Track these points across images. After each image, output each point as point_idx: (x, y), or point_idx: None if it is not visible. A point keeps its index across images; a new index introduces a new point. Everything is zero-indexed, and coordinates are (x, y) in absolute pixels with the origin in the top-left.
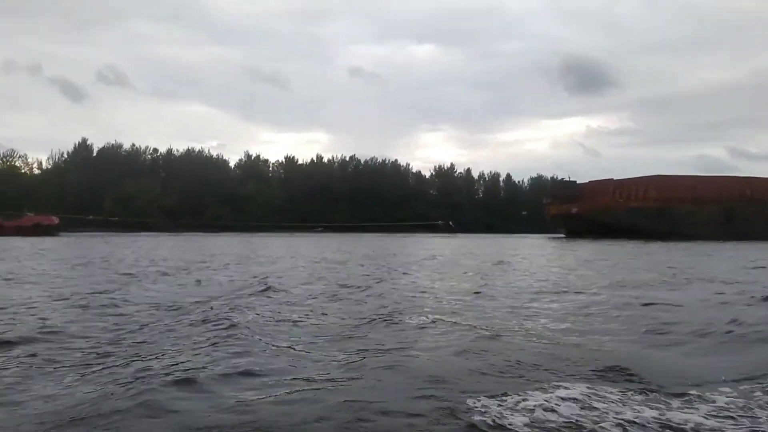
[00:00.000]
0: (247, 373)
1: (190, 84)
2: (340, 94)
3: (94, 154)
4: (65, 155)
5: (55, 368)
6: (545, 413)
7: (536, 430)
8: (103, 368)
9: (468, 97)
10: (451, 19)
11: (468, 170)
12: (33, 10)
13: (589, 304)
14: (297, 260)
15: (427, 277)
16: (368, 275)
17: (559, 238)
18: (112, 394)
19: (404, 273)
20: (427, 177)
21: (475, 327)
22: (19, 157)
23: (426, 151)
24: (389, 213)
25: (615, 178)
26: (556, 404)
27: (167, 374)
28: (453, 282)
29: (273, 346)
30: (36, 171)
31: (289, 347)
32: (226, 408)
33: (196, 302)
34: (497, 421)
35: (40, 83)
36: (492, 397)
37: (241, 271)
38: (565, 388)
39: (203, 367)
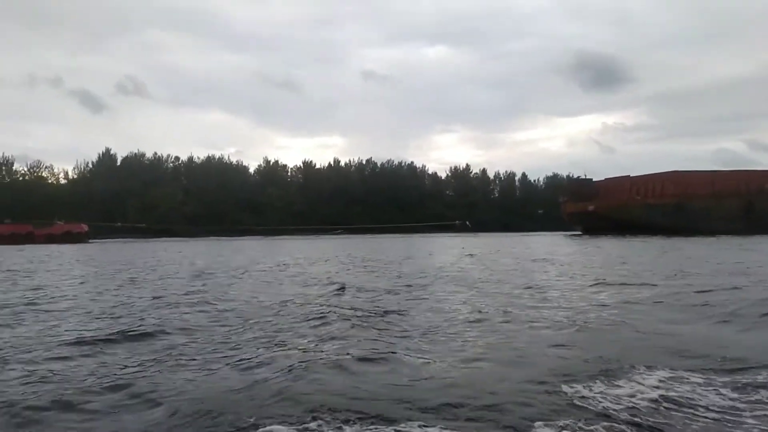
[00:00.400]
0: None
1: (206, 92)
2: (354, 97)
3: (118, 164)
4: (90, 165)
5: (202, 358)
6: (635, 398)
7: (630, 413)
8: (248, 357)
9: (481, 97)
10: (462, 20)
11: (483, 170)
12: (52, 23)
13: (654, 295)
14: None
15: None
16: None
17: (576, 235)
18: (268, 379)
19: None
20: (443, 178)
21: (559, 321)
22: (45, 167)
23: (440, 153)
24: (406, 214)
25: (631, 175)
26: (646, 389)
27: (314, 360)
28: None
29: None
30: (62, 181)
31: (425, 334)
32: (382, 385)
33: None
34: (595, 406)
35: (61, 95)
36: (587, 382)
37: (313, 269)
38: (651, 374)
39: (347, 354)
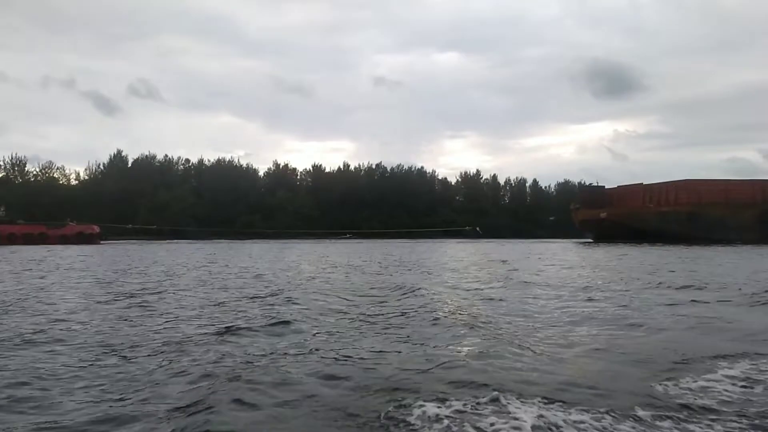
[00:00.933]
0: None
1: (218, 96)
2: (365, 102)
3: (129, 165)
4: (102, 166)
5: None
6: (714, 391)
7: (714, 405)
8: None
9: (492, 103)
10: (473, 27)
11: (494, 176)
12: (67, 25)
13: (703, 296)
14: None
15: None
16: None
17: (588, 243)
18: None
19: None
20: (453, 183)
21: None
22: (57, 168)
23: (450, 158)
24: (416, 219)
25: (644, 183)
26: (724, 382)
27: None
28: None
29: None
30: (74, 182)
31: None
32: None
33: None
34: (683, 400)
35: (74, 97)
36: (669, 379)
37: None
38: (728, 367)
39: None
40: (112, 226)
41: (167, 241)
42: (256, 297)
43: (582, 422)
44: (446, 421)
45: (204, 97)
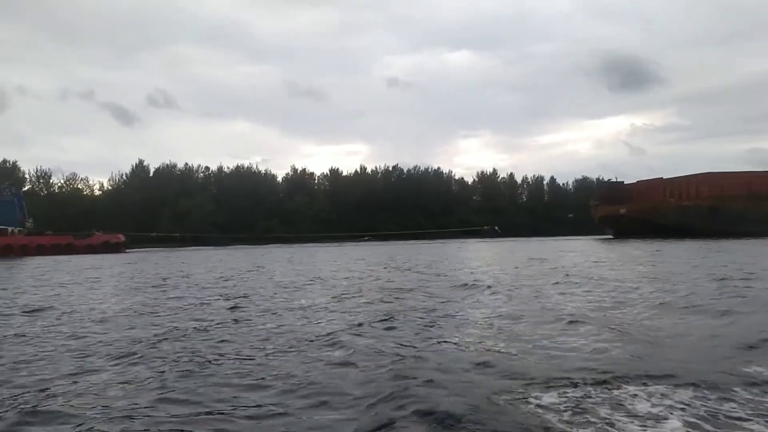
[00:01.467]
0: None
1: (233, 103)
2: (378, 104)
3: (151, 175)
4: (124, 176)
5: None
6: None
7: None
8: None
9: (506, 101)
10: (484, 25)
11: (511, 175)
12: (84, 39)
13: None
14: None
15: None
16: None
17: (607, 239)
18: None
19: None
20: (469, 183)
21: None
22: (81, 180)
23: (465, 158)
24: (433, 220)
25: (664, 177)
26: None
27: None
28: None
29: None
30: (97, 192)
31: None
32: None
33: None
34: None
35: (93, 109)
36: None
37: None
38: None
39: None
40: (136, 235)
41: (190, 248)
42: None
43: (689, 403)
44: (567, 408)
45: (219, 104)
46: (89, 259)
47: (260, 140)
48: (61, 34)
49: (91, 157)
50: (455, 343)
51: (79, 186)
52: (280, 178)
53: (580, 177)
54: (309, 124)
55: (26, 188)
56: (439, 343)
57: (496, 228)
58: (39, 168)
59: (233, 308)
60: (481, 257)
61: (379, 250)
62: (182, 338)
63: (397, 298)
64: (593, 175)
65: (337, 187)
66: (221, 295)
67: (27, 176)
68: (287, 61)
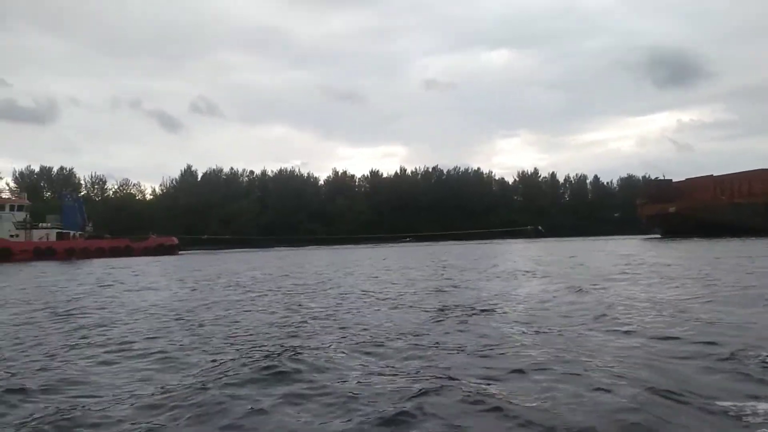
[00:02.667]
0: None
1: (272, 108)
2: (415, 105)
3: (199, 179)
4: (174, 181)
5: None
6: None
7: None
8: None
9: (546, 99)
10: (523, 23)
11: (553, 174)
12: (131, 49)
13: None
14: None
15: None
16: None
17: (656, 239)
18: None
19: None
20: (510, 183)
21: None
22: (133, 185)
23: (503, 158)
24: (475, 220)
25: (714, 174)
26: None
27: None
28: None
29: None
30: (148, 197)
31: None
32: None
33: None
34: None
35: (140, 117)
36: None
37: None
38: None
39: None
40: (187, 238)
41: (238, 250)
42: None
43: None
44: None
45: (259, 109)
46: (150, 261)
47: (298, 144)
48: (111, 46)
49: (138, 163)
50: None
51: (131, 191)
52: (321, 181)
53: (625, 175)
54: (346, 127)
55: (82, 193)
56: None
57: (540, 228)
58: (94, 174)
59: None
60: (554, 260)
61: (434, 250)
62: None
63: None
64: (637, 173)
65: (377, 188)
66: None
67: (82, 182)
68: (325, 65)
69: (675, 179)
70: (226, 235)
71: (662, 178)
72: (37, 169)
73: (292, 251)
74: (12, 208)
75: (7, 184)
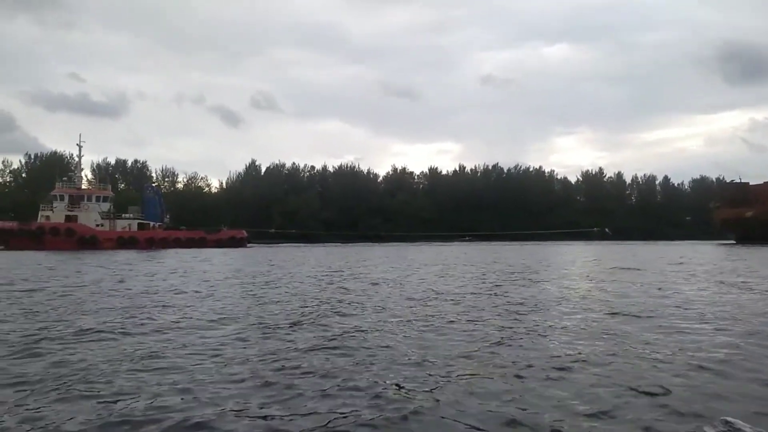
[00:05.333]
0: None
1: (328, 103)
2: (471, 102)
3: (262, 173)
4: (240, 175)
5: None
6: None
7: None
8: None
9: (607, 95)
10: (584, 15)
11: (619, 174)
12: (196, 46)
13: None
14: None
15: None
16: None
17: (731, 244)
18: None
19: None
20: (573, 182)
21: None
22: (201, 178)
23: (561, 156)
24: (536, 220)
25: None
26: None
27: None
28: None
29: None
30: (214, 190)
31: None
32: None
33: None
34: None
35: (203, 112)
36: None
37: None
38: None
39: None
40: (255, 231)
41: (301, 244)
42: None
43: None
44: None
45: (315, 105)
46: (232, 252)
47: (353, 139)
48: (177, 42)
49: (200, 157)
50: None
51: (200, 184)
52: (380, 177)
53: (698, 177)
54: (400, 122)
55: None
56: None
57: (607, 230)
58: (164, 167)
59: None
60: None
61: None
62: None
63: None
64: (707, 174)
65: (435, 186)
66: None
67: (153, 174)
68: (381, 60)
69: (752, 182)
70: (289, 229)
71: (739, 180)
72: (113, 161)
73: (361, 247)
74: (98, 199)
75: (85, 176)
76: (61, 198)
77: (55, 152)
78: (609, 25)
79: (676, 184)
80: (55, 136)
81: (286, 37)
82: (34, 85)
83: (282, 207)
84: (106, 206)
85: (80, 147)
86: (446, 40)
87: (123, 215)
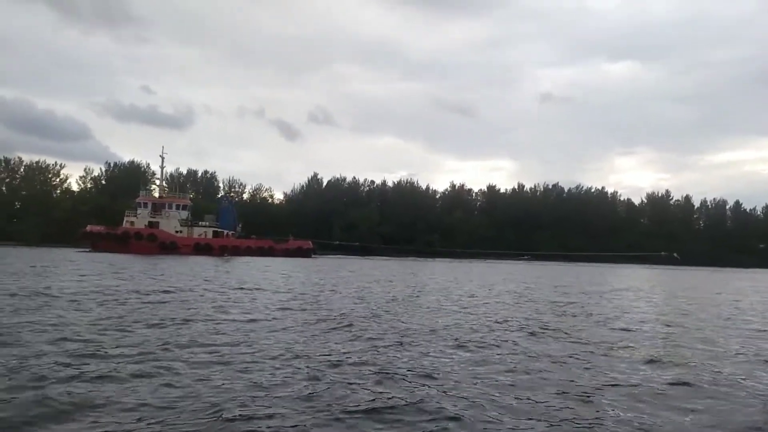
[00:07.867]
0: None
1: (384, 118)
2: (527, 119)
3: (324, 186)
4: (303, 187)
5: None
6: None
7: None
8: None
9: (671, 115)
10: (650, 32)
11: (687, 197)
12: (258, 61)
13: None
14: None
15: None
16: None
17: None
18: None
19: None
20: (636, 204)
21: None
22: (266, 189)
23: (621, 176)
24: (598, 242)
25: None
26: None
27: None
28: None
29: None
30: (276, 201)
31: None
32: None
33: None
34: None
35: (263, 125)
36: None
37: None
38: None
39: None
40: (318, 242)
41: (362, 257)
42: None
43: None
44: None
45: (371, 120)
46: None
47: (407, 155)
48: (240, 57)
49: (260, 168)
50: None
51: (264, 195)
52: (438, 194)
53: None
54: (455, 139)
55: (219, 196)
56: None
57: (675, 255)
58: (231, 178)
59: None
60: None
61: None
62: None
63: None
64: None
65: (494, 203)
66: None
67: (221, 185)
68: (437, 77)
69: None
70: (350, 242)
71: None
72: (184, 171)
73: (422, 262)
74: (178, 207)
75: (158, 186)
76: (145, 205)
77: (133, 161)
78: (677, 41)
79: (747, 210)
80: (125, 146)
81: (345, 52)
82: (108, 97)
83: (342, 220)
84: (185, 214)
85: (162, 158)
86: (505, 56)
87: (200, 223)
